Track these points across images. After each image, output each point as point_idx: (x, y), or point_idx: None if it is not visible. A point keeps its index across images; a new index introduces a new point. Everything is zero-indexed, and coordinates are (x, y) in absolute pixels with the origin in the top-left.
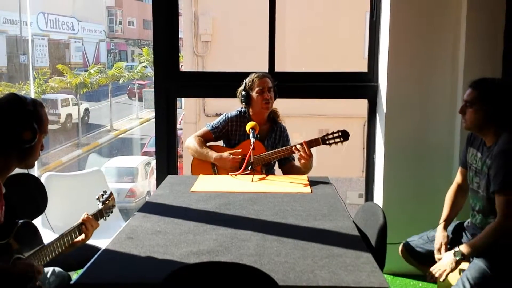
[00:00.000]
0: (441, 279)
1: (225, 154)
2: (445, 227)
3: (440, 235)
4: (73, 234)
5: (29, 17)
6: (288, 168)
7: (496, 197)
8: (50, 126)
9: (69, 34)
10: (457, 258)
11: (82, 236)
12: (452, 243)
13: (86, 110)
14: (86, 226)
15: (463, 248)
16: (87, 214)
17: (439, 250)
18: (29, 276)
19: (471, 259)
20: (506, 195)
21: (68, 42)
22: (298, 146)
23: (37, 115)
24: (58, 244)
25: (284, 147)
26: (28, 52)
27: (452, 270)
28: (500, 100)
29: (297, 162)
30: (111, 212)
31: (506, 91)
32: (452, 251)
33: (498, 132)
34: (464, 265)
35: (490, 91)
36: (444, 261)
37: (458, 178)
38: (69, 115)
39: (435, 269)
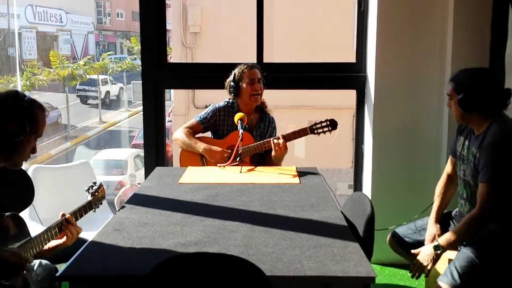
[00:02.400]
0: (425, 275)
1: (214, 147)
2: (437, 220)
3: (432, 227)
4: (57, 229)
5: (15, 10)
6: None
7: (480, 186)
8: (91, 101)
9: (57, 26)
10: (438, 252)
11: (64, 239)
12: (442, 224)
13: (121, 88)
14: (70, 231)
15: (442, 241)
16: (69, 215)
17: (431, 242)
18: (15, 265)
19: (458, 248)
20: (489, 187)
21: (56, 35)
22: (280, 140)
23: (31, 113)
24: (46, 237)
25: (270, 138)
26: (15, 45)
27: (434, 262)
28: (471, 87)
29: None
30: (101, 204)
31: (477, 77)
32: (431, 244)
33: (484, 119)
34: (452, 254)
35: (463, 80)
36: (423, 255)
37: (448, 168)
38: (107, 92)
39: (415, 267)
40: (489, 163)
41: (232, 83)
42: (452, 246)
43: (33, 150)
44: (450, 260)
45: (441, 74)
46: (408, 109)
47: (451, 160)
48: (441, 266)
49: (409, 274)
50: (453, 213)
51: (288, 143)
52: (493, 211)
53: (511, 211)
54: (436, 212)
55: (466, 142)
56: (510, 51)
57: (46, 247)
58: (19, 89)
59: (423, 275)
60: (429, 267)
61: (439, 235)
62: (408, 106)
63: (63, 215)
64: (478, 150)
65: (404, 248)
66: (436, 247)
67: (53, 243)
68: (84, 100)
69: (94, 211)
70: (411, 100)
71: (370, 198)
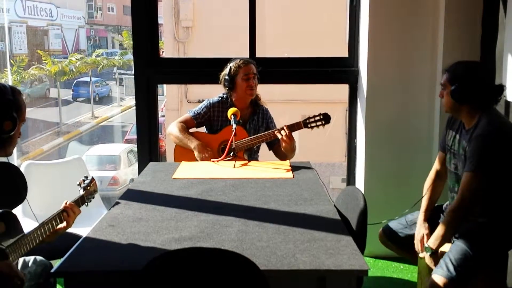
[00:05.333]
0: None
1: (208, 151)
2: (425, 219)
3: (421, 227)
4: (53, 222)
5: (5, 3)
6: (277, 149)
7: (464, 175)
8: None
9: (48, 20)
10: (429, 253)
11: (64, 223)
12: (430, 226)
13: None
14: (67, 213)
15: (430, 243)
16: (67, 202)
17: (421, 241)
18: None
19: (452, 240)
20: (472, 176)
21: (47, 29)
22: (282, 132)
23: (17, 103)
24: (39, 233)
25: (266, 132)
26: (5, 40)
27: (435, 261)
28: (466, 79)
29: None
30: (93, 198)
31: (473, 70)
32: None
33: (474, 113)
34: (445, 247)
35: (458, 71)
36: (427, 262)
37: (436, 164)
38: None
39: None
40: (474, 154)
41: (227, 77)
42: (441, 242)
43: (19, 135)
44: (443, 253)
45: (433, 69)
46: (400, 104)
47: (439, 156)
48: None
49: (402, 267)
50: (444, 206)
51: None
52: (473, 200)
53: (496, 202)
54: (425, 210)
55: (457, 137)
56: (501, 46)
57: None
58: (10, 84)
59: (415, 267)
60: (432, 266)
61: (428, 235)
62: (400, 100)
63: (65, 207)
64: (468, 143)
65: (395, 243)
66: (427, 249)
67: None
68: (121, 83)
69: (87, 205)
70: (403, 95)
71: (363, 192)
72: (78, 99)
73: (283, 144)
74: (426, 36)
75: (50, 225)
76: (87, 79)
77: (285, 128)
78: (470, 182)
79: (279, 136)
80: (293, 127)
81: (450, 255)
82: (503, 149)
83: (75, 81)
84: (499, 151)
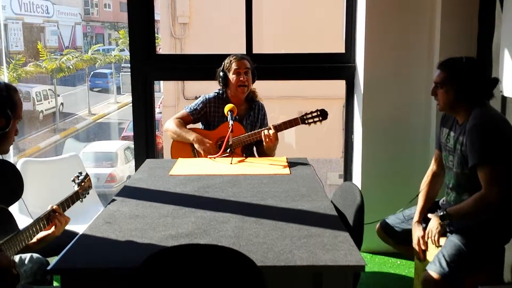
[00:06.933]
0: (436, 245)
1: (206, 139)
2: (420, 221)
3: (416, 229)
4: (45, 221)
5: (0, 0)
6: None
7: (478, 171)
8: None
9: (44, 17)
10: (445, 222)
11: (52, 229)
12: (427, 222)
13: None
14: (59, 220)
15: (450, 210)
16: (56, 206)
17: (418, 246)
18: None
19: (447, 235)
20: (485, 167)
21: (43, 26)
22: (270, 131)
23: (11, 100)
24: (34, 229)
25: (261, 129)
26: (1, 37)
27: (440, 233)
28: (468, 78)
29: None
30: (88, 194)
31: (473, 68)
32: (437, 215)
33: (469, 109)
34: (441, 242)
35: (458, 70)
36: (430, 228)
37: (433, 164)
38: None
39: (427, 237)
40: (477, 146)
41: (221, 73)
42: (458, 217)
43: (16, 133)
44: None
45: (430, 64)
46: (397, 99)
47: (436, 156)
48: (431, 254)
49: (399, 262)
50: (440, 202)
51: (278, 134)
52: (499, 190)
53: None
54: (420, 212)
55: (452, 133)
56: (498, 41)
57: (34, 239)
58: (6, 81)
59: (412, 263)
60: (436, 238)
61: (423, 237)
62: (397, 96)
63: (52, 207)
64: (464, 137)
65: (393, 238)
66: (443, 217)
67: (41, 234)
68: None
69: (81, 201)
70: (400, 90)
71: (360, 188)
72: (94, 89)
73: (267, 143)
74: (423, 32)
75: (45, 221)
76: (104, 70)
77: (272, 127)
78: (488, 175)
79: (264, 133)
80: (280, 127)
81: (444, 251)
82: (497, 139)
83: (92, 73)
84: (495, 140)
